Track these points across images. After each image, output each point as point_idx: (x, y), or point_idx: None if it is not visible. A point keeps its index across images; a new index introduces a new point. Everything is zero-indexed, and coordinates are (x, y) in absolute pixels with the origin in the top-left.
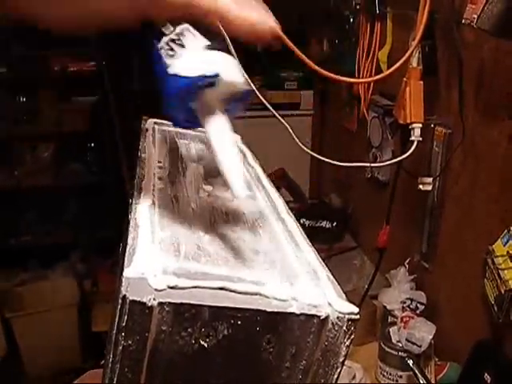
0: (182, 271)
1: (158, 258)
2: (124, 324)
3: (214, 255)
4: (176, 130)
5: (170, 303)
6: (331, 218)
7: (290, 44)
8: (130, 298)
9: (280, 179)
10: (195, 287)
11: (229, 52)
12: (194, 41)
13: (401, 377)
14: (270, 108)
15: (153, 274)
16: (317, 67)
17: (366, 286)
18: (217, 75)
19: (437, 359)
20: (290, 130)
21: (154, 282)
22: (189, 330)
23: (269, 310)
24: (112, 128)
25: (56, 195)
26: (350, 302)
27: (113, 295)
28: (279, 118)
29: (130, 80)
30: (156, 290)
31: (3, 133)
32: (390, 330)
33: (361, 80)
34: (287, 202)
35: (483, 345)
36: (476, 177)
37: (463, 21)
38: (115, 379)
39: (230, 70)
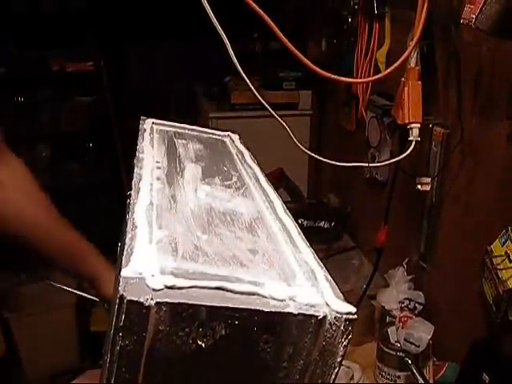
0: (180, 271)
1: (156, 257)
2: (121, 324)
3: (211, 255)
4: (174, 130)
5: (167, 303)
6: (329, 218)
7: (289, 44)
8: (128, 297)
9: (278, 179)
10: (193, 287)
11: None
12: None
13: (399, 377)
14: (269, 108)
15: (150, 273)
16: (315, 67)
17: (365, 286)
18: None
19: (435, 359)
20: (289, 130)
21: (151, 281)
22: (186, 329)
23: (266, 309)
24: (110, 128)
25: (54, 195)
26: (348, 302)
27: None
28: (277, 118)
29: (128, 80)
30: (153, 289)
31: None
32: (389, 329)
33: (359, 80)
34: (285, 202)
35: (481, 345)
36: (474, 177)
37: (461, 21)
38: (113, 379)
39: None
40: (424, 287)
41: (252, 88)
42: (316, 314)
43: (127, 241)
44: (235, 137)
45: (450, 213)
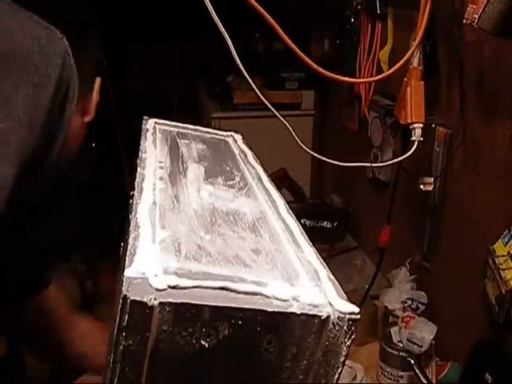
0: (183, 271)
1: (159, 257)
2: (125, 324)
3: (214, 255)
4: (177, 130)
5: (170, 303)
6: (332, 218)
7: (291, 44)
8: (131, 297)
9: (281, 179)
10: (196, 287)
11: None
12: None
13: (402, 377)
14: (271, 108)
15: (154, 273)
16: (318, 67)
17: (367, 286)
18: None
19: (438, 359)
20: (291, 130)
21: (154, 281)
22: (189, 329)
23: (270, 309)
24: (113, 128)
25: (56, 195)
26: (351, 301)
27: (114, 295)
28: (280, 118)
29: (131, 80)
30: (157, 289)
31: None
32: (391, 330)
33: (362, 80)
34: (288, 202)
35: (484, 345)
36: (477, 177)
37: (464, 21)
38: (116, 379)
39: None
40: (427, 287)
41: (255, 88)
42: (319, 313)
43: (130, 241)
44: (238, 137)
45: (452, 213)
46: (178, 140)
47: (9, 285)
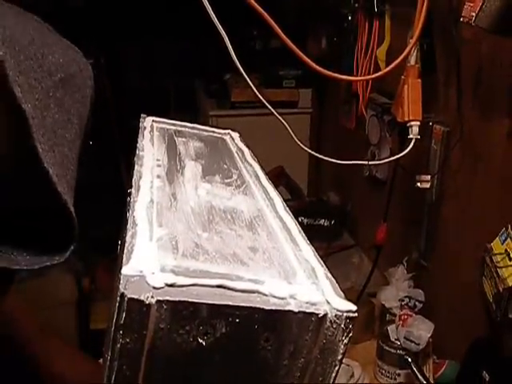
0: (180, 269)
1: (156, 255)
2: (122, 322)
3: (212, 253)
4: (175, 128)
5: (168, 301)
6: (329, 216)
7: (289, 42)
8: (128, 295)
9: (278, 177)
10: (193, 285)
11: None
12: None
13: (399, 375)
14: (269, 106)
15: (151, 271)
16: (315, 65)
17: (364, 284)
18: None
19: (435, 357)
20: (289, 128)
21: (152, 279)
22: (187, 327)
23: (267, 307)
24: (110, 126)
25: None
26: (348, 299)
27: (111, 293)
28: (278, 116)
29: (128, 78)
30: (154, 287)
31: None
32: (389, 328)
33: (359, 78)
34: (285, 200)
35: (481, 343)
36: (474, 174)
37: (461, 19)
38: (113, 377)
39: None
40: (424, 285)
41: (252, 86)
42: (317, 311)
43: (127, 238)
44: (235, 135)
45: (449, 210)
46: (176, 138)
47: None
